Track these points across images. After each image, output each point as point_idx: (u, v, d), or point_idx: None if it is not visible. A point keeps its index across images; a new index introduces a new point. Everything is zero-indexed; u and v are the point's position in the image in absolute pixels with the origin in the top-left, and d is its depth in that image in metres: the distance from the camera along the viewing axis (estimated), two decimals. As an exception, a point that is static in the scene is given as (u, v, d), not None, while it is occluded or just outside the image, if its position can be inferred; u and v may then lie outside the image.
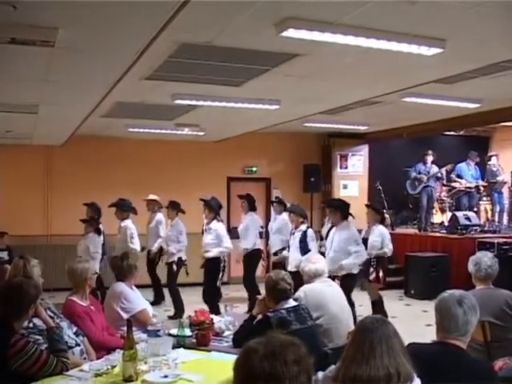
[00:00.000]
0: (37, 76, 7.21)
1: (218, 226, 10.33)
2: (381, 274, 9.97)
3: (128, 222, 11.17)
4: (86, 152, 13.98)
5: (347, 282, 8.65)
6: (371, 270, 9.99)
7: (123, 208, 11.20)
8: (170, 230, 11.34)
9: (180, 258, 11.13)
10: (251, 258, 11.17)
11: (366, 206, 10.56)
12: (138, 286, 6.35)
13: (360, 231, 9.84)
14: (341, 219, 9.08)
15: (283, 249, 10.77)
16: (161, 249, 11.86)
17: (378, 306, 9.95)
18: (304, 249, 9.80)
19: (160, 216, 11.97)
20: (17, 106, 9.07)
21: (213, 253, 10.15)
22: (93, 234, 10.77)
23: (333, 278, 8.54)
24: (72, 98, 8.62)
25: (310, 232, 10.08)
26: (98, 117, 10.59)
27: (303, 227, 10.11)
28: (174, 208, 11.37)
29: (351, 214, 9.30)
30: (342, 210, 9.14)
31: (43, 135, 12.48)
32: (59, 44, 5.61)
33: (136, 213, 11.57)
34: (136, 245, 11.00)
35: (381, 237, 9.96)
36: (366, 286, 10.23)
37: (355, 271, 9.05)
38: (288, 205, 11.23)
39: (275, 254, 11.00)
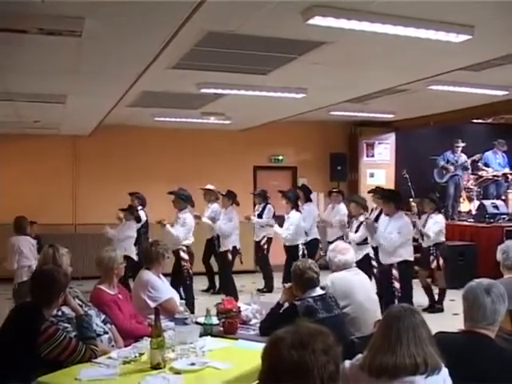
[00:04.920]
0: (64, 66, 7.25)
1: (295, 216, 10.86)
2: (441, 261, 10.08)
3: (186, 214, 10.36)
4: (112, 142, 14.06)
5: (403, 270, 8.63)
6: (431, 258, 10.09)
7: (181, 198, 10.68)
8: (223, 219, 11.39)
9: (234, 247, 11.21)
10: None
11: (422, 197, 10.86)
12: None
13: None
14: (394, 209, 8.90)
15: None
16: (218, 237, 11.92)
17: (441, 293, 10.41)
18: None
19: (215, 206, 12.10)
20: (45, 97, 9.14)
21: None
22: (131, 221, 10.85)
23: (389, 266, 8.61)
24: (99, 87, 8.66)
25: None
26: (124, 106, 10.64)
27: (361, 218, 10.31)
28: (230, 198, 11.45)
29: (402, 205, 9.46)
30: (394, 200, 9.02)
31: (71, 125, 12.58)
32: (86, 34, 5.64)
33: (193, 205, 11.18)
34: (181, 236, 10.09)
35: (436, 225, 10.23)
36: (420, 273, 10.55)
37: (411, 258, 8.90)
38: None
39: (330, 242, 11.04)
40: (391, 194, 9.54)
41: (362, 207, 10.34)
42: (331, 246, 6.25)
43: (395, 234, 8.66)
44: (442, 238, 10.40)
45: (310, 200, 12.14)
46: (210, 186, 12.20)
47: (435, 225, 10.24)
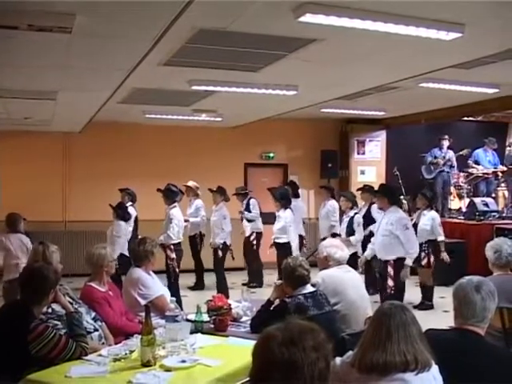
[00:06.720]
0: (55, 62, 7.22)
1: (286, 215, 10.60)
2: (432, 259, 10.08)
3: (173, 209, 10.54)
4: (103, 138, 14.00)
5: (398, 267, 8.54)
6: (423, 254, 10.08)
7: (165, 194, 10.71)
8: (214, 216, 11.40)
9: (224, 243, 11.18)
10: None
11: (416, 192, 10.92)
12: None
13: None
14: (388, 204, 8.80)
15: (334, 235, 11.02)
16: (200, 233, 12.05)
17: (428, 290, 10.42)
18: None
19: (199, 202, 12.21)
20: (35, 93, 9.08)
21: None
22: (117, 220, 10.58)
23: (384, 262, 8.62)
24: (90, 84, 8.62)
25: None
26: (115, 103, 10.61)
27: (351, 213, 10.51)
28: (221, 194, 11.48)
29: (400, 200, 9.44)
30: (389, 195, 8.95)
31: (61, 122, 12.52)
32: (77, 30, 5.62)
33: (180, 199, 11.24)
34: (172, 232, 10.26)
35: (431, 221, 10.24)
36: (418, 270, 10.51)
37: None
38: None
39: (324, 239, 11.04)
40: (386, 188, 9.54)
41: (351, 202, 10.43)
42: (326, 242, 6.24)
43: (399, 231, 8.56)
44: (434, 237, 10.35)
45: (298, 196, 12.21)
46: (190, 183, 12.21)
47: (432, 220, 10.26)
